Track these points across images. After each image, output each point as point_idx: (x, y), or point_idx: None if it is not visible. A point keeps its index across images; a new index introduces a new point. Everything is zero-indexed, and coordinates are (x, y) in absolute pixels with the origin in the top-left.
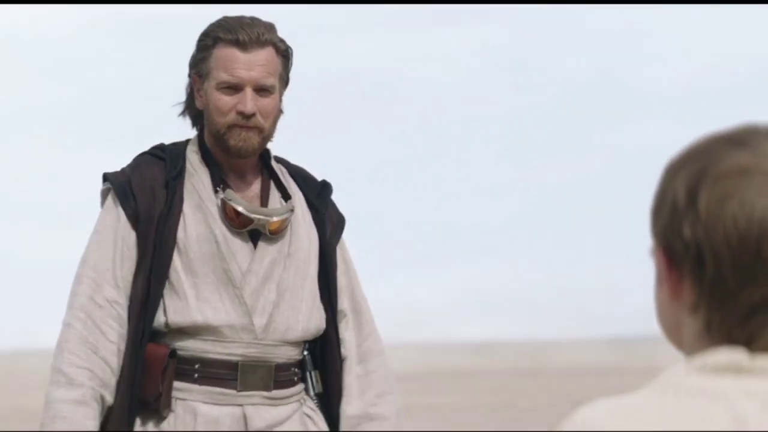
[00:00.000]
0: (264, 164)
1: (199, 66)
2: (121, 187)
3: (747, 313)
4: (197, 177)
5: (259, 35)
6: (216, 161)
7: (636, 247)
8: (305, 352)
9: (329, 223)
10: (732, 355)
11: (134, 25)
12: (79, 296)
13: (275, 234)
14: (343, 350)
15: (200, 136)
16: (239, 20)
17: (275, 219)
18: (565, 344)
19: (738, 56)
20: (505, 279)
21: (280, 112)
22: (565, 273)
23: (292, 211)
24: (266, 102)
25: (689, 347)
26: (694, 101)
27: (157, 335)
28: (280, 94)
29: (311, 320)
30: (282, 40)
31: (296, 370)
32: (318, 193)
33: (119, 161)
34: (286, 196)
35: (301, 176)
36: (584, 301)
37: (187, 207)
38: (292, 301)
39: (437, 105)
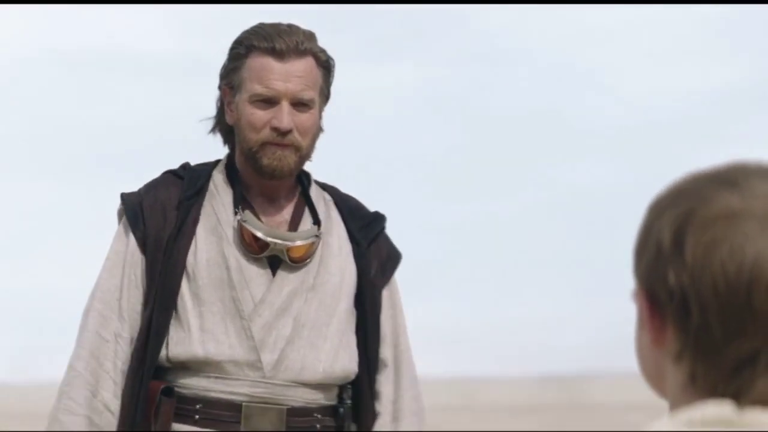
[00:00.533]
0: (302, 188)
1: (230, 77)
2: (133, 209)
3: (734, 367)
4: (219, 198)
5: (298, 44)
6: (244, 181)
7: (571, 283)
8: (344, 400)
9: (375, 260)
10: (720, 409)
11: (58, 56)
12: (86, 331)
13: (298, 262)
14: (377, 405)
15: (231, 156)
16: (276, 27)
17: (297, 244)
18: (497, 381)
19: (674, 93)
20: (438, 315)
21: (319, 129)
22: (498, 309)
23: (317, 237)
24: (304, 118)
25: (673, 398)
26: (631, 138)
27: (160, 371)
28: (320, 110)
29: (336, 362)
30: (323, 50)
31: (319, 416)
32: (365, 225)
33: (46, 194)
34: (318, 222)
35: (348, 206)
36: (517, 338)
37: (201, 230)
38: (311, 338)
39: (373, 140)
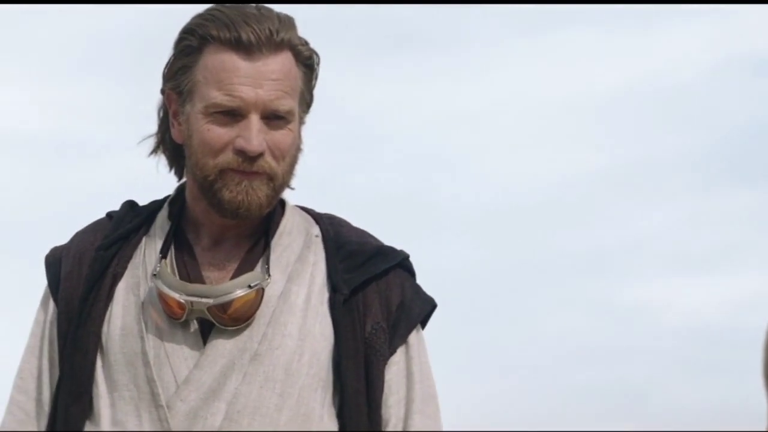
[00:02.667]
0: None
1: (177, 78)
2: (53, 268)
3: None
4: (154, 244)
5: (272, 33)
6: (192, 218)
7: (434, 366)
8: None
9: (377, 310)
10: None
11: None
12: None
13: (236, 323)
14: None
15: (183, 186)
16: (241, 11)
17: (226, 299)
18: None
19: (538, 178)
20: None
21: (299, 149)
22: None
23: (255, 286)
24: (280, 136)
25: None
26: (494, 221)
27: None
28: (300, 124)
29: None
30: (305, 42)
31: None
32: (358, 265)
33: None
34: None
35: (342, 241)
36: None
37: (122, 288)
38: (252, 429)
39: None
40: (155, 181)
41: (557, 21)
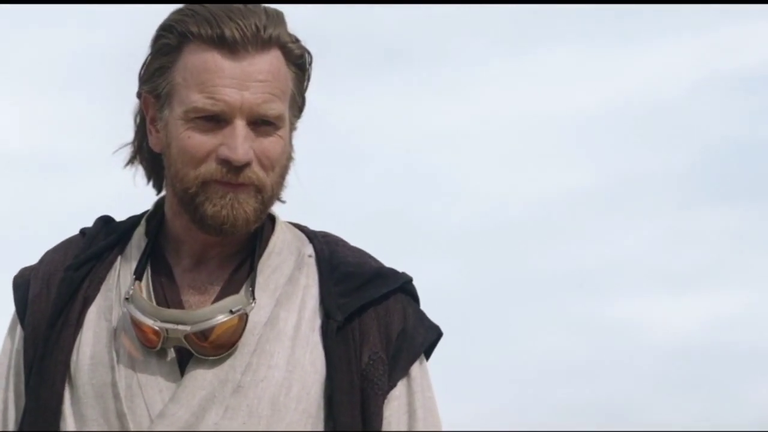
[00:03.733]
0: (259, 237)
1: (154, 80)
2: (22, 291)
3: None
4: (128, 263)
5: (259, 29)
6: (172, 234)
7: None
8: None
9: (376, 338)
10: None
11: None
12: None
13: (217, 352)
14: None
15: (162, 200)
16: (225, 6)
17: (204, 326)
18: None
19: (521, 196)
20: None
21: (290, 158)
22: None
23: (238, 311)
24: (269, 143)
25: None
26: (476, 239)
27: None
28: (291, 129)
29: None
30: (296, 40)
31: None
32: (354, 288)
33: None
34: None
35: (338, 262)
36: None
37: (94, 313)
38: None
39: None
40: (144, 199)
41: (541, 39)
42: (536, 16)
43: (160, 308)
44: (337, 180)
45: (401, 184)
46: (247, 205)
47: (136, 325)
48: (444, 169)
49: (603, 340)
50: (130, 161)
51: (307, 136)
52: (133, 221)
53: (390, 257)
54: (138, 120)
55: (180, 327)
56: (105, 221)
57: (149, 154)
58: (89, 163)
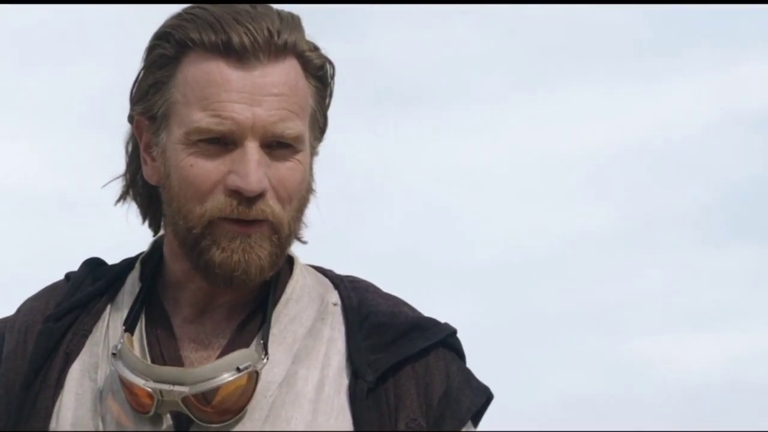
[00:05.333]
0: (274, 282)
1: (149, 98)
2: None
3: None
4: (119, 312)
5: (272, 35)
6: (171, 279)
7: None
8: None
9: (414, 402)
10: None
11: None
12: None
13: (221, 418)
14: None
15: (160, 240)
16: (231, 9)
17: (205, 387)
18: None
19: (540, 235)
20: None
21: (310, 187)
22: None
23: (247, 369)
24: (286, 170)
25: None
26: (493, 277)
27: None
28: (312, 153)
29: None
30: (315, 47)
31: None
32: (388, 343)
33: None
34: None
35: (368, 311)
36: None
37: (77, 370)
38: None
39: None
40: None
41: (558, 78)
42: (554, 56)
43: (154, 366)
44: (354, 219)
45: (419, 223)
46: (261, 249)
47: (126, 386)
48: (462, 207)
49: (622, 378)
50: (122, 197)
51: (323, 174)
52: (127, 264)
53: (407, 296)
54: (130, 148)
55: (177, 388)
56: (94, 264)
57: (144, 188)
58: (109, 203)
